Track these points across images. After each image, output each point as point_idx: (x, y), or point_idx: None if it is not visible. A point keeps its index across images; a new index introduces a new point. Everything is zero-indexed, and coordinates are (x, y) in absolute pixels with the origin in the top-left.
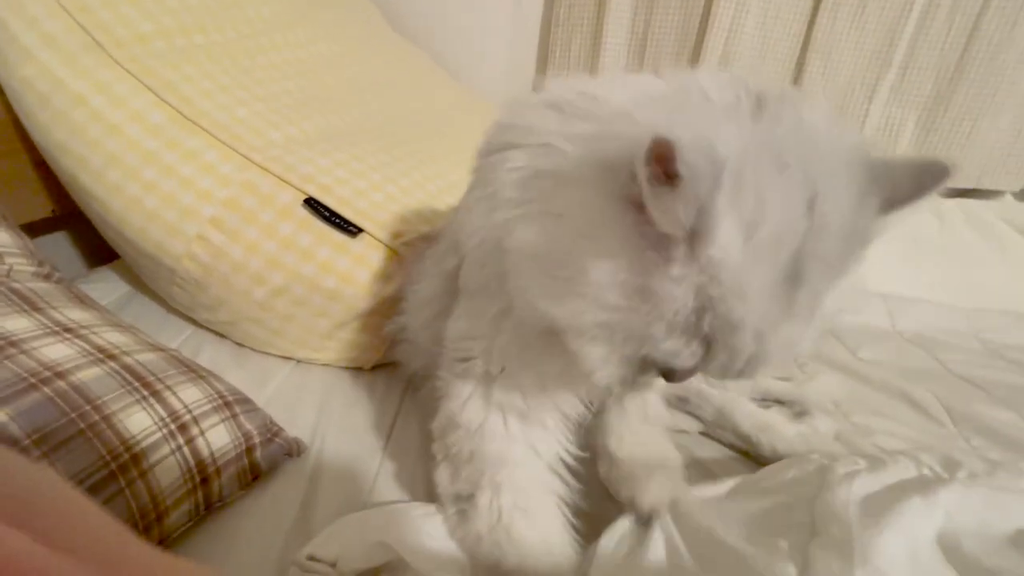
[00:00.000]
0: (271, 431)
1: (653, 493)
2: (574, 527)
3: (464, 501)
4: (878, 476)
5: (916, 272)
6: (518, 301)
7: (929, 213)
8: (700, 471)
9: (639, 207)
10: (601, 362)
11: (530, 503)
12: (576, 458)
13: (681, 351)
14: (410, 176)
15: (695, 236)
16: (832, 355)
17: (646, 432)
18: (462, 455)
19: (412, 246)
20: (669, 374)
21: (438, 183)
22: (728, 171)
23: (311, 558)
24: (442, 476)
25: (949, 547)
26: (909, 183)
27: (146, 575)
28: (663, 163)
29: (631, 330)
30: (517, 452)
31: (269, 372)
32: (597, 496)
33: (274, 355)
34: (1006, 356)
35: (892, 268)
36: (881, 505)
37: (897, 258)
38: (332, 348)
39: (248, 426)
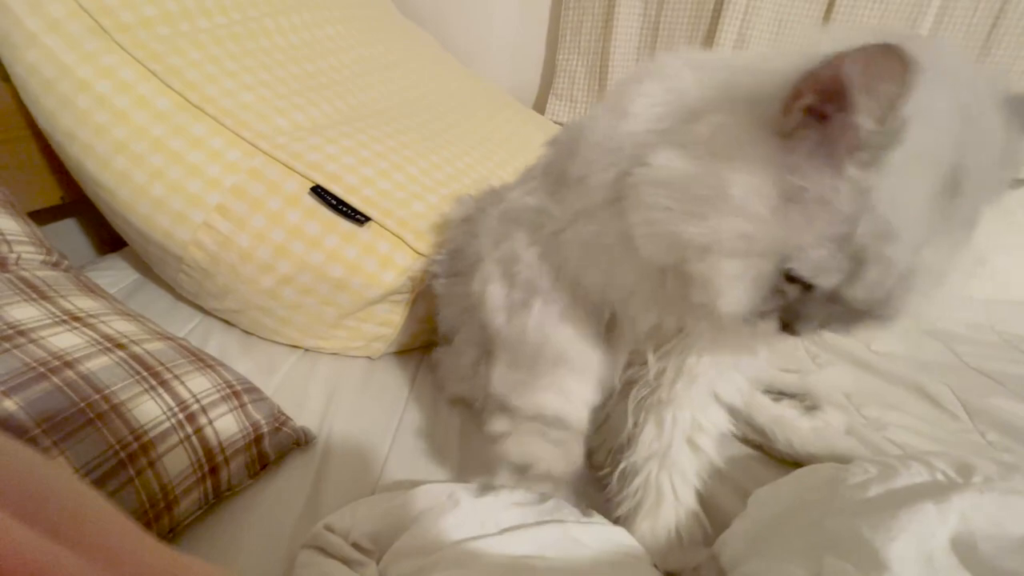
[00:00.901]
0: (279, 420)
1: None
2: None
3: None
4: (890, 483)
5: None
6: (640, 231)
7: None
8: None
9: (784, 136)
10: (734, 279)
11: (569, 385)
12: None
13: (828, 264)
14: (417, 164)
15: (882, 139)
16: (844, 347)
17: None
18: (528, 346)
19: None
20: (795, 321)
21: (446, 170)
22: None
23: (327, 528)
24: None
25: (964, 551)
26: None
27: (154, 573)
28: (883, 69)
29: (774, 241)
30: (577, 358)
31: (277, 360)
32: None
33: (282, 343)
34: (1023, 348)
35: None
36: (894, 512)
37: None
38: (339, 337)
39: (256, 415)
